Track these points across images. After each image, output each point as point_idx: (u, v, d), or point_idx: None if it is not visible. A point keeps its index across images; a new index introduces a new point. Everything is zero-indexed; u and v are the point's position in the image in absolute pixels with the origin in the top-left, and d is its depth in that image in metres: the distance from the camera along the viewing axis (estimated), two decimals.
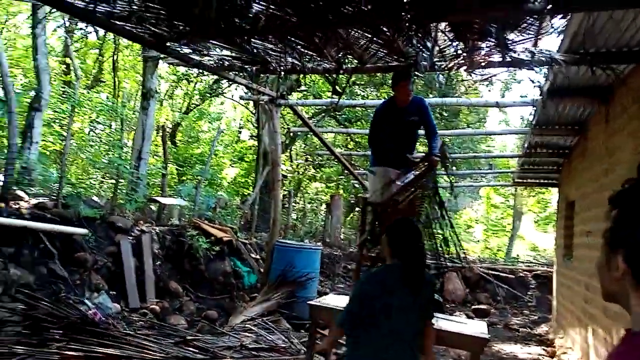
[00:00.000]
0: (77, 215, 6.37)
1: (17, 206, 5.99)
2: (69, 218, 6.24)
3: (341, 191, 16.75)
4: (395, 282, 2.37)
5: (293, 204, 15.10)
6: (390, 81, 4.17)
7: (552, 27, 3.40)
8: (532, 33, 3.47)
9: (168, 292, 6.94)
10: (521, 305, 10.71)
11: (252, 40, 3.95)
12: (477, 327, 3.46)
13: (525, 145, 7.05)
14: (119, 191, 8.51)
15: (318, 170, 17.51)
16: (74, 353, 3.47)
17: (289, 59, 4.24)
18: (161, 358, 3.79)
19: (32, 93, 8.65)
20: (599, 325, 4.43)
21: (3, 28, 14.58)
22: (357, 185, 15.00)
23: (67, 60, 12.49)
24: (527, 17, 3.24)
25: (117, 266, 6.42)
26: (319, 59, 4.23)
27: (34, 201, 6.45)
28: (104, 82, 15.94)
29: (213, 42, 4.03)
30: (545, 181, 9.55)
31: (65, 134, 9.22)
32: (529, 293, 11.02)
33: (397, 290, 2.36)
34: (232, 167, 18.79)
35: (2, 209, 5.61)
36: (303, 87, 14.27)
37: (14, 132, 6.84)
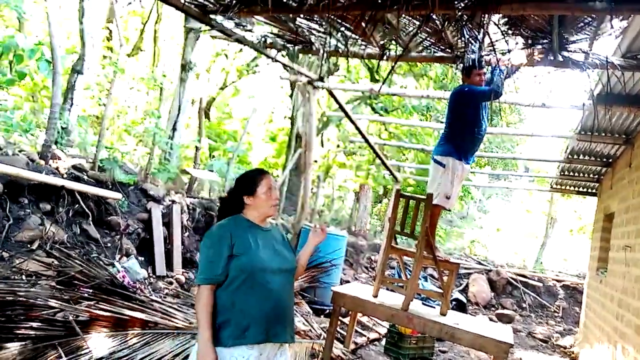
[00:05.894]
0: (112, 180, 6.52)
1: (55, 165, 6.17)
2: (104, 181, 6.40)
3: (370, 181, 16.60)
4: None
5: (322, 188, 15.06)
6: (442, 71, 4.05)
7: (612, 28, 3.19)
8: (589, 34, 3.28)
9: (193, 263, 7.07)
10: (547, 315, 10.46)
11: (298, 18, 3.90)
12: (501, 331, 3.37)
13: (568, 150, 6.79)
14: (152, 160, 8.65)
15: (349, 157, 17.38)
16: (102, 313, 3.57)
17: (333, 41, 4.17)
18: (185, 326, 3.86)
19: (75, 56, 8.83)
20: (631, 343, 4.26)
21: None
22: (386, 177, 14.84)
23: (110, 26, 12.64)
24: (586, 17, 3.06)
25: (147, 233, 6.55)
26: (363, 43, 4.14)
27: (71, 162, 6.63)
28: (143, 50, 16.13)
29: (257, 17, 3.99)
30: (584, 190, 9.21)
31: (104, 99, 9.42)
32: (556, 303, 10.74)
33: None
34: (264, 145, 18.84)
35: (41, 167, 5.79)
36: (340, 72, 14.09)
37: (58, 93, 6.97)
